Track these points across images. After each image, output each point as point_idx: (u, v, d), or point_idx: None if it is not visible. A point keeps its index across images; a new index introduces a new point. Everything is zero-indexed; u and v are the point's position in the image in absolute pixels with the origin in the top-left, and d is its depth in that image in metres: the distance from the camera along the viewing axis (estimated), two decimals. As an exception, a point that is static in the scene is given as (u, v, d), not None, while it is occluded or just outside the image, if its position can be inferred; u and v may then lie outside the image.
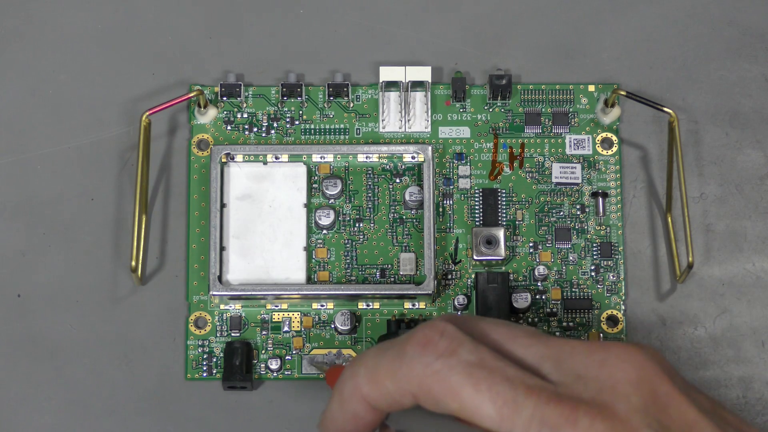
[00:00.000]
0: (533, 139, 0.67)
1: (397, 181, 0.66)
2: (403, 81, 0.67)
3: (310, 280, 0.65)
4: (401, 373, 0.49)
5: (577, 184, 0.67)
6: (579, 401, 0.47)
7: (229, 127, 0.67)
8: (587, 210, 0.66)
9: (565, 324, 0.65)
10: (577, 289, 0.65)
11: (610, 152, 0.67)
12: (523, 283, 0.65)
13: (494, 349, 0.49)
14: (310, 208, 0.66)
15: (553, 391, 0.47)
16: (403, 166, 0.66)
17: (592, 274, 0.66)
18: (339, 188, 0.66)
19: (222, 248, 0.64)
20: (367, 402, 0.51)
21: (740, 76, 0.68)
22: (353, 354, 0.64)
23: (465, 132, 0.67)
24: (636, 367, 0.48)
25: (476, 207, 0.66)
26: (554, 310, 0.65)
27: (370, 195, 0.66)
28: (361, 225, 0.66)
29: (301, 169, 0.66)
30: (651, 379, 0.48)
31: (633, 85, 0.68)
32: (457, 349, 0.48)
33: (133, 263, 0.62)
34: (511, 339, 0.50)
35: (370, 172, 0.66)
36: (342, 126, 0.67)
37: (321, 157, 0.66)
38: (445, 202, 0.66)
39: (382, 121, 0.67)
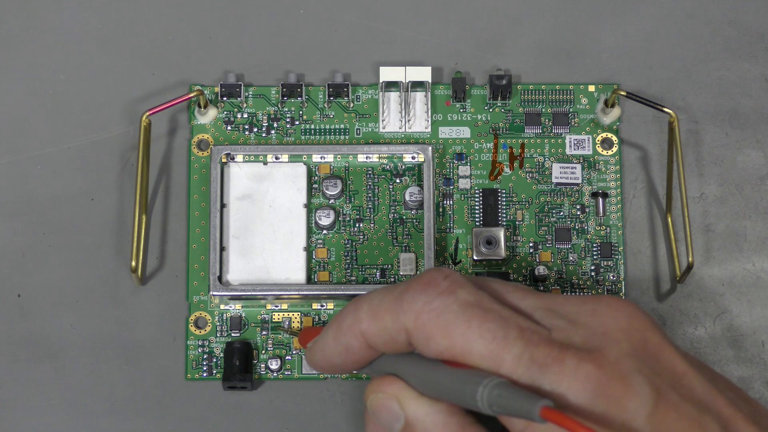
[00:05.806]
0: (533, 139, 0.67)
1: (397, 181, 0.66)
2: (403, 81, 0.67)
3: (310, 280, 0.65)
4: (401, 309, 0.50)
5: (577, 185, 0.67)
6: (569, 344, 0.48)
7: (229, 127, 0.67)
8: (587, 210, 0.66)
9: (565, 324, 0.65)
10: (577, 290, 0.65)
11: (610, 152, 0.67)
12: (524, 283, 0.65)
13: (493, 295, 0.51)
14: (310, 209, 0.66)
15: (544, 334, 0.48)
16: (403, 167, 0.66)
17: (592, 274, 0.66)
18: (339, 188, 0.66)
19: (222, 248, 0.64)
20: (363, 337, 0.52)
21: (740, 76, 0.68)
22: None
23: (465, 132, 0.67)
24: (627, 316, 0.49)
25: (476, 207, 0.66)
26: (554, 310, 0.65)
27: (370, 195, 0.66)
28: (361, 225, 0.66)
29: (301, 169, 0.66)
30: (642, 328, 0.49)
31: (633, 85, 0.68)
32: (456, 289, 0.50)
33: (133, 263, 0.62)
34: (506, 291, 0.51)
35: (370, 172, 0.66)
36: (342, 126, 0.67)
37: (321, 158, 0.66)
38: (445, 202, 0.66)
39: (382, 121, 0.67)
